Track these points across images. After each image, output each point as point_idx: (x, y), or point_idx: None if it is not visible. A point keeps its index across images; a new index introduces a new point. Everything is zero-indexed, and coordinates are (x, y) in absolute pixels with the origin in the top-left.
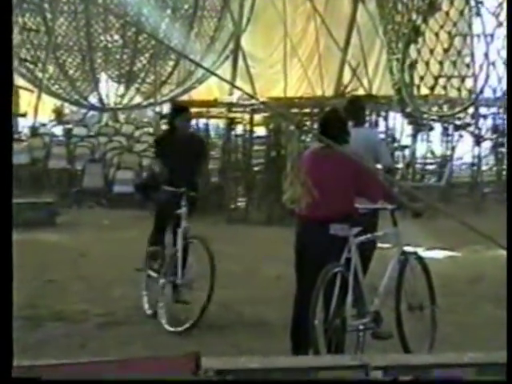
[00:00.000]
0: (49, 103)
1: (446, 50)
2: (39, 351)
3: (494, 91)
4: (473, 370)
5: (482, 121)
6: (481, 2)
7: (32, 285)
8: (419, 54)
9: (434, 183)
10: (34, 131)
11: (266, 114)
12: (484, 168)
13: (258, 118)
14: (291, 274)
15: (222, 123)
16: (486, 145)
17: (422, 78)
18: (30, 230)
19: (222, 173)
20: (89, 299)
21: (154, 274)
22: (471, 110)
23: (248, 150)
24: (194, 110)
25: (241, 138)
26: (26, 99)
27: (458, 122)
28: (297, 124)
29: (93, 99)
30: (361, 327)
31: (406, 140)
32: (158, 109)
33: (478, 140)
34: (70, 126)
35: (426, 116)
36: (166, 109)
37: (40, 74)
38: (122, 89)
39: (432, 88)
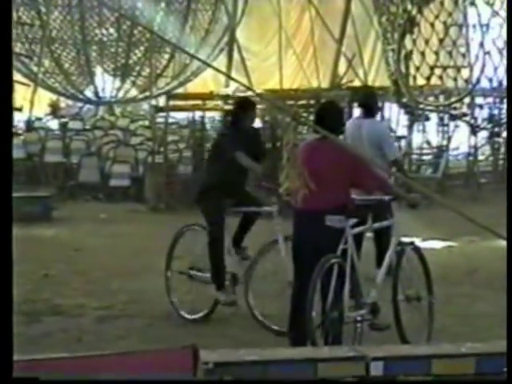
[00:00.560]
0: (44, 97)
1: (441, 41)
2: (37, 346)
3: (490, 81)
4: (472, 361)
5: (478, 111)
6: None
7: (29, 279)
8: (415, 44)
9: (430, 174)
10: (30, 125)
11: (261, 106)
12: (480, 158)
13: None
14: (288, 266)
15: (217, 116)
16: (483, 135)
17: (417, 69)
18: (26, 225)
19: None
20: (86, 293)
21: None
22: (467, 100)
23: None
24: (189, 102)
25: None
26: (21, 93)
27: (454, 112)
28: (293, 115)
29: (88, 93)
30: (358, 318)
31: (401, 130)
32: (153, 102)
33: (474, 130)
34: (65, 119)
35: (422, 106)
36: (161, 102)
37: (35, 68)
38: (117, 82)
39: (428, 78)
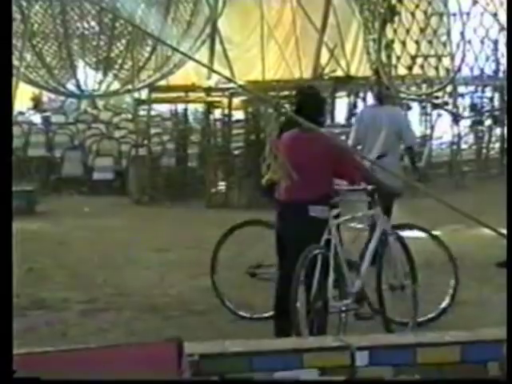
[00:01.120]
0: (27, 91)
1: (422, 30)
2: (21, 340)
3: (471, 69)
4: (456, 349)
5: (460, 99)
6: None
7: (13, 273)
8: (395, 33)
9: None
10: (12, 120)
11: (244, 98)
12: (464, 147)
13: (236, 101)
14: (272, 257)
15: (200, 108)
16: (465, 123)
17: (398, 58)
18: None
19: (201, 157)
20: (70, 287)
21: None
22: (449, 89)
23: (227, 134)
24: (172, 94)
25: (220, 122)
26: None
27: (436, 101)
28: (275, 106)
29: (71, 86)
30: (343, 308)
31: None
32: (136, 95)
33: (456, 118)
34: (48, 113)
35: (404, 96)
36: (144, 95)
37: (17, 62)
38: (99, 75)
39: (409, 68)
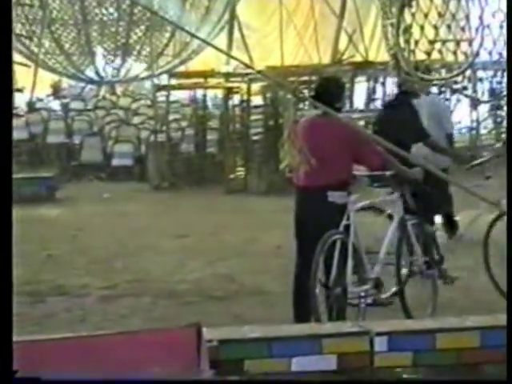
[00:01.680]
0: (46, 78)
1: (440, 14)
2: (41, 326)
3: (490, 54)
4: (476, 334)
5: (478, 84)
6: None
7: (33, 260)
8: (414, 18)
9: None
10: (32, 106)
11: (263, 83)
12: (483, 131)
13: (255, 87)
14: (292, 242)
15: (219, 93)
16: (484, 108)
17: (416, 43)
18: (29, 206)
19: (220, 143)
20: (90, 273)
21: None
22: (468, 74)
23: (246, 120)
24: (191, 80)
25: (238, 107)
26: (22, 74)
27: (454, 86)
28: (293, 92)
29: (90, 73)
30: (362, 294)
31: None
32: (155, 81)
33: (475, 103)
34: (67, 100)
35: (422, 81)
36: (163, 81)
37: (36, 49)
38: (118, 61)
39: (428, 53)
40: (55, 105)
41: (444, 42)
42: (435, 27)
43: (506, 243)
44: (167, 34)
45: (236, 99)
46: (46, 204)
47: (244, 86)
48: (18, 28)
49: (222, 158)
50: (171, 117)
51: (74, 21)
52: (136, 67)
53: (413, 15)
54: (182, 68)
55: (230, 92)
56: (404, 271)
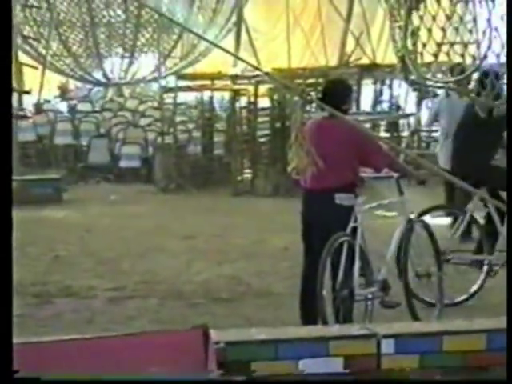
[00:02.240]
0: (53, 80)
1: (448, 17)
2: (48, 328)
3: (498, 56)
4: (482, 337)
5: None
6: None
7: (40, 261)
8: (422, 20)
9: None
10: (39, 108)
11: (270, 86)
12: None
13: (262, 89)
14: (299, 244)
15: (226, 96)
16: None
17: (424, 45)
18: (37, 207)
19: (227, 145)
20: (97, 274)
21: None
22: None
23: (253, 122)
24: (198, 82)
25: (245, 109)
26: (30, 76)
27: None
28: (300, 94)
29: (97, 75)
30: (369, 296)
31: (410, 108)
32: (162, 82)
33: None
34: (74, 102)
35: (430, 83)
36: (170, 83)
37: (43, 51)
38: (125, 63)
39: (435, 55)
40: (63, 106)
41: (452, 44)
42: (443, 29)
43: (506, 243)
44: (174, 37)
45: (243, 101)
46: (54, 205)
47: (251, 88)
48: (25, 30)
49: (228, 160)
50: (178, 119)
51: (81, 23)
52: (143, 69)
53: (421, 18)
54: (189, 70)
55: (236, 94)
56: (411, 273)
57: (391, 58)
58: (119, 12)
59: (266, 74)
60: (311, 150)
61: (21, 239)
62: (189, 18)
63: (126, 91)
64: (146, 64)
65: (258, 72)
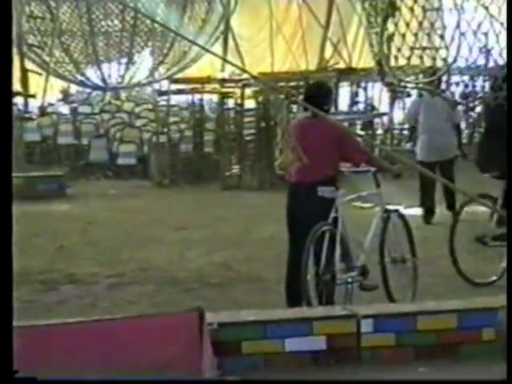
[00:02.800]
0: (56, 85)
1: (420, 23)
2: (53, 312)
3: (466, 60)
4: (453, 316)
5: (454, 88)
6: None
7: (46, 251)
8: (396, 27)
9: (411, 147)
10: (43, 110)
11: (255, 88)
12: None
13: (248, 91)
14: (283, 233)
15: (215, 98)
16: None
17: (399, 50)
18: (42, 202)
19: (216, 143)
20: (98, 263)
21: None
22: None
23: (240, 122)
24: (189, 86)
25: (233, 110)
26: (35, 81)
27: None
28: (286, 95)
29: (96, 80)
30: (349, 280)
31: (383, 108)
32: (156, 86)
33: (452, 106)
34: (75, 104)
35: (404, 84)
36: (164, 86)
37: (47, 58)
38: (122, 69)
39: (409, 58)
40: (65, 109)
41: (424, 48)
42: (415, 35)
43: (506, 242)
44: (167, 44)
45: (230, 103)
46: (57, 200)
47: (238, 91)
48: (30, 39)
49: (217, 157)
50: (171, 119)
51: (81, 32)
52: (139, 74)
53: (395, 24)
54: (180, 75)
55: (224, 96)
56: (387, 259)
57: (366, 62)
58: (116, 22)
59: (254, 76)
60: (296, 147)
61: (27, 231)
62: (180, 28)
63: (123, 94)
64: (141, 69)
65: (244, 76)
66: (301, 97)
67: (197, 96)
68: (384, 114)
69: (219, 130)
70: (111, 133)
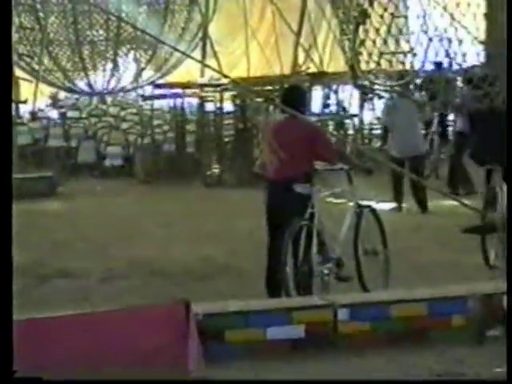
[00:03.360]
0: (45, 91)
1: (389, 30)
2: (47, 305)
3: (431, 63)
4: (424, 304)
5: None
6: None
7: (38, 246)
8: (367, 34)
9: (381, 146)
10: (34, 115)
11: (232, 92)
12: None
13: (226, 95)
14: (262, 227)
15: (195, 101)
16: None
17: (370, 55)
18: (34, 200)
19: (198, 144)
20: (89, 257)
21: None
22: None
23: (219, 124)
24: (171, 91)
25: (212, 113)
26: (25, 88)
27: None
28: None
29: (83, 86)
30: (325, 272)
31: (354, 110)
32: (140, 91)
33: (420, 106)
34: (64, 109)
35: (375, 87)
36: (147, 91)
37: (37, 66)
38: (107, 76)
39: (379, 63)
40: (54, 114)
41: (393, 53)
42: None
43: (506, 242)
44: (150, 52)
45: (210, 106)
46: (48, 198)
47: (217, 95)
48: (20, 48)
49: (199, 157)
50: (154, 122)
51: (68, 41)
52: (123, 80)
53: (366, 31)
54: (162, 80)
55: (204, 100)
56: (360, 251)
57: (336, 66)
58: (101, 31)
59: (233, 81)
60: (274, 146)
61: (21, 228)
62: (161, 35)
63: (109, 99)
64: (125, 75)
65: (222, 81)
66: (276, 99)
67: (178, 100)
68: (354, 115)
69: (200, 131)
70: (99, 135)
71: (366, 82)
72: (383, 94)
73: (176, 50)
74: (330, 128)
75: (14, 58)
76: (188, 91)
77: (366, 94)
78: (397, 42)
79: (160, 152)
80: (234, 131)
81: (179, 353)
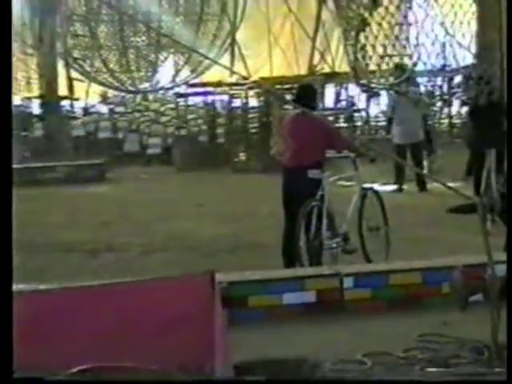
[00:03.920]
0: (96, 89)
1: (387, 36)
2: (95, 275)
3: (425, 64)
4: (418, 274)
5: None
6: None
7: (89, 225)
8: (367, 39)
9: (385, 135)
10: (86, 111)
11: (257, 90)
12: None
13: (251, 93)
14: (281, 209)
15: (225, 98)
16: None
17: (370, 58)
18: (85, 185)
19: (227, 135)
20: (132, 234)
21: None
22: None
23: (245, 117)
24: (204, 89)
25: (239, 108)
26: (79, 87)
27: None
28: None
29: (129, 85)
30: (334, 245)
31: (362, 105)
32: (177, 89)
33: (415, 102)
34: (112, 105)
35: (375, 86)
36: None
37: (89, 68)
38: (149, 76)
39: (378, 65)
40: (104, 109)
41: (390, 56)
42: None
43: (506, 241)
44: (186, 55)
45: (237, 102)
46: (98, 183)
47: (243, 93)
48: (75, 53)
49: (228, 147)
50: (190, 116)
51: (116, 47)
52: (163, 80)
53: (366, 37)
54: (196, 80)
55: (232, 97)
56: (364, 228)
57: (346, 67)
58: (144, 38)
59: (255, 81)
60: (288, 138)
61: (74, 209)
62: (195, 42)
63: (150, 97)
64: (164, 76)
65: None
66: (293, 97)
67: (210, 97)
68: (362, 109)
69: (229, 124)
70: (141, 128)
71: (366, 82)
72: (381, 91)
73: (206, 57)
74: (341, 120)
75: (69, 61)
76: (219, 89)
77: (369, 91)
78: (393, 46)
79: (195, 142)
80: (258, 124)
81: (205, 320)
